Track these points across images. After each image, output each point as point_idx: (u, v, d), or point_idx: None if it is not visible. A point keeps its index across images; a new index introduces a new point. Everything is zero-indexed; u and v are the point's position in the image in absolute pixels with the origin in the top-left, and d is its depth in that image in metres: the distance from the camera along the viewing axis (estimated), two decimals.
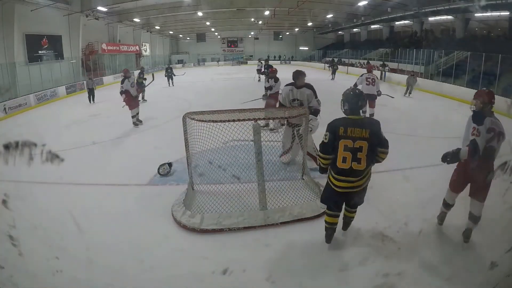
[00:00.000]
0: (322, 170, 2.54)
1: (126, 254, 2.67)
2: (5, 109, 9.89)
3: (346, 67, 22.38)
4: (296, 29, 33.76)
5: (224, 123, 3.09)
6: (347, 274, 2.42)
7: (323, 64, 26.01)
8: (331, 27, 30.28)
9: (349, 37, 31.95)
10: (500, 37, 16.00)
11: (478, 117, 2.52)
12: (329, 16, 23.87)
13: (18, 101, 10.74)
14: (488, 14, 15.94)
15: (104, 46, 20.03)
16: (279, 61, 34.85)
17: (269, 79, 6.95)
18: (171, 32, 31.57)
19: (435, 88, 12.56)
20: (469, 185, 2.65)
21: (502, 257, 1.88)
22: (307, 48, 35.80)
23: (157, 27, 26.29)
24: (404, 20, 21.64)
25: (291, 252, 2.69)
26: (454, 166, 2.74)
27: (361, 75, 6.96)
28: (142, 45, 26.95)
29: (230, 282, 2.36)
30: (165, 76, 15.72)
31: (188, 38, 36.29)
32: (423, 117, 8.17)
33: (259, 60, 16.46)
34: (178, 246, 2.80)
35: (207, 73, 23.40)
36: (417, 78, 12.31)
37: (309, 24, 27.36)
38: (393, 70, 17.85)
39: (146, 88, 10.62)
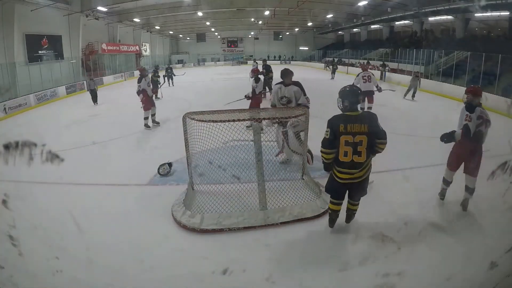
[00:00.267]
0: (326, 166, 2.67)
1: (126, 254, 2.67)
2: (5, 109, 9.89)
3: (346, 67, 22.38)
4: (296, 29, 33.76)
5: (224, 123, 3.09)
6: (347, 274, 2.42)
7: (323, 64, 26.04)
8: (331, 27, 30.28)
9: (349, 37, 31.94)
10: (500, 37, 16.00)
11: (471, 107, 3.05)
12: (329, 16, 23.87)
13: (18, 101, 10.74)
14: (488, 14, 15.94)
15: (104, 46, 20.03)
16: (279, 61, 34.86)
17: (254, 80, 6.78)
18: (171, 32, 31.56)
19: (435, 88, 12.56)
20: (463, 164, 3.17)
21: (502, 257, 1.88)
22: (307, 48, 35.80)
23: (157, 27, 26.29)
24: (404, 20, 21.64)
25: (291, 252, 2.69)
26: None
27: (358, 75, 7.34)
28: (142, 45, 26.95)
29: (230, 282, 2.36)
30: (165, 76, 15.72)
31: (188, 38, 36.28)
32: (423, 117, 8.17)
33: (254, 60, 16.19)
34: (178, 246, 2.80)
35: (207, 73, 23.40)
36: (421, 79, 11.88)
37: (309, 24, 27.36)
38: (393, 70, 17.85)
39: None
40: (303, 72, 22.92)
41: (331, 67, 19.92)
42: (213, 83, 16.54)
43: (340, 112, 2.63)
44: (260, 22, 26.63)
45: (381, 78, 15.71)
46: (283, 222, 3.05)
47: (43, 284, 2.27)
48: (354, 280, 2.35)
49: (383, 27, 25.20)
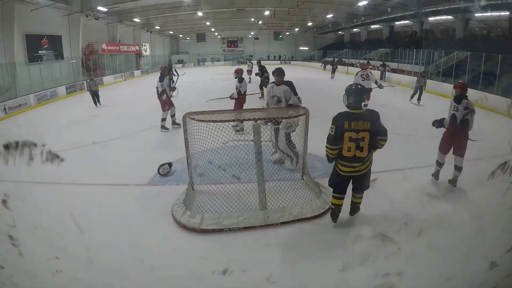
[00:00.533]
0: (330, 160, 2.82)
1: (126, 254, 2.67)
2: (5, 109, 9.89)
3: (346, 67, 22.39)
4: (296, 29, 33.77)
5: (224, 123, 3.09)
6: (347, 274, 2.42)
7: (323, 64, 26.06)
8: (331, 27, 30.28)
9: (349, 37, 31.94)
10: (500, 37, 16.00)
11: (458, 99, 3.63)
12: (329, 16, 23.87)
13: (18, 101, 10.73)
14: (488, 14, 15.93)
15: (104, 46, 20.04)
16: (279, 61, 34.86)
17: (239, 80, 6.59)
18: (171, 32, 31.56)
19: (435, 88, 12.56)
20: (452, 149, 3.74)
21: (502, 257, 1.88)
22: (307, 48, 35.81)
23: (157, 27, 26.29)
24: (404, 20, 21.64)
25: (291, 252, 2.69)
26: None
27: (356, 73, 7.83)
28: (142, 45, 26.94)
29: (230, 282, 2.36)
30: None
31: (188, 38, 36.29)
32: (423, 117, 8.14)
33: (249, 60, 16.12)
34: (178, 246, 2.80)
35: (207, 73, 23.38)
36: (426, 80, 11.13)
37: (309, 24, 27.36)
38: (393, 70, 17.86)
39: (146, 86, 10.52)
40: (303, 72, 22.95)
41: (331, 67, 19.97)
42: (213, 83, 16.51)
43: (343, 109, 2.74)
44: (260, 22, 26.63)
45: (381, 78, 15.72)
46: (283, 222, 3.04)
47: (43, 284, 2.27)
48: (354, 280, 2.35)
49: (383, 27, 25.20)
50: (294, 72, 22.10)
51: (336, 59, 24.74)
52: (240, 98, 6.35)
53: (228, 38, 37.14)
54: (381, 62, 18.22)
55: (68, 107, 11.38)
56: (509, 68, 10.52)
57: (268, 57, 36.13)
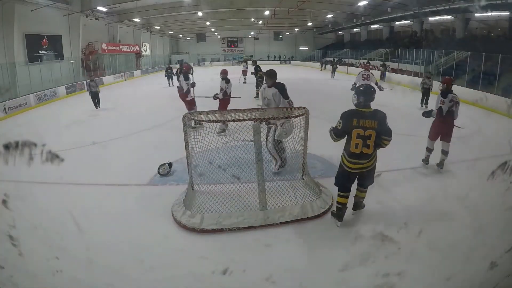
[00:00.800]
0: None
1: (126, 254, 2.67)
2: (5, 109, 9.88)
3: (346, 67, 22.39)
4: (296, 29, 33.75)
5: (224, 123, 3.09)
6: (347, 274, 2.42)
7: (322, 64, 26.07)
8: (331, 27, 30.27)
9: (349, 37, 31.93)
10: (500, 37, 15.99)
11: (444, 93, 4.15)
12: (329, 16, 23.86)
13: (18, 101, 10.73)
14: (488, 14, 15.93)
15: (104, 46, 20.03)
16: (279, 61, 34.83)
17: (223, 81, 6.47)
18: (171, 32, 31.55)
19: (435, 88, 12.51)
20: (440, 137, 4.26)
21: (502, 257, 1.88)
22: (307, 48, 35.79)
23: (157, 27, 26.28)
24: (404, 20, 21.63)
25: (291, 252, 2.69)
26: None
27: (359, 73, 8.42)
28: (142, 45, 26.94)
29: (230, 282, 2.36)
30: (165, 76, 15.73)
31: (188, 38, 36.26)
32: (424, 117, 8.15)
33: (245, 61, 16.11)
34: (178, 246, 2.80)
35: (207, 73, 23.35)
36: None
37: (309, 24, 27.35)
38: (393, 70, 17.86)
39: (146, 86, 10.51)
40: (303, 72, 22.96)
41: (331, 66, 19.98)
42: (213, 83, 16.47)
43: (343, 109, 2.84)
44: (260, 22, 26.62)
45: (381, 78, 15.73)
46: (283, 222, 3.04)
47: (43, 284, 2.27)
48: (354, 280, 2.35)
49: (383, 27, 25.20)
50: (294, 72, 22.14)
51: (336, 59, 24.74)
52: (225, 99, 6.29)
53: (228, 38, 37.12)
54: (381, 62, 18.22)
55: (68, 107, 11.38)
56: (509, 68, 10.51)
57: (268, 57, 36.11)
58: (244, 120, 3.11)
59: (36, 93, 11.95)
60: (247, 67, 14.74)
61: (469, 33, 17.77)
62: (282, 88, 4.07)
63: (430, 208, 3.35)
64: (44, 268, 2.44)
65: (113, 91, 14.97)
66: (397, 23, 23.52)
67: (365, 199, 3.15)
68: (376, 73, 14.83)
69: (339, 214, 3.00)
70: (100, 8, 16.70)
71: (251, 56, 34.09)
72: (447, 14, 17.93)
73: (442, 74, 13.76)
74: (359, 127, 2.72)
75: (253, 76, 10.83)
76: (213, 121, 3.13)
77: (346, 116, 2.79)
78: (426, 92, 9.21)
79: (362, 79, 7.92)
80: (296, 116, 3.51)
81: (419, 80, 11.73)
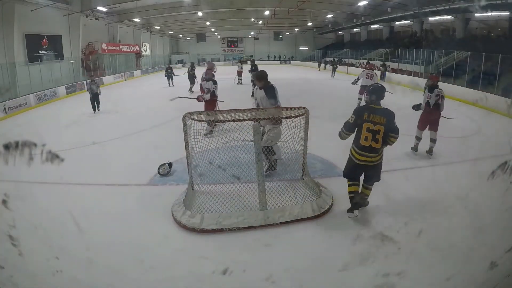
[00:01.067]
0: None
1: (126, 254, 2.67)
2: (5, 109, 9.88)
3: (346, 67, 22.39)
4: (296, 29, 33.74)
5: (224, 123, 3.09)
6: (347, 274, 2.42)
7: (322, 64, 26.06)
8: (331, 27, 30.25)
9: (349, 37, 31.93)
10: (500, 37, 15.99)
11: (431, 88, 4.67)
12: (329, 16, 23.86)
13: (18, 101, 10.72)
14: (488, 14, 15.93)
15: (104, 46, 20.02)
16: (279, 61, 34.82)
17: (207, 81, 6.23)
18: (171, 32, 31.54)
19: None
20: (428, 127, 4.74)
21: (502, 257, 1.88)
22: (307, 48, 35.78)
23: (157, 27, 26.27)
24: (404, 20, 21.62)
25: (291, 252, 2.69)
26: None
27: (363, 70, 8.62)
28: (142, 45, 26.94)
29: (230, 282, 2.36)
30: (165, 76, 15.72)
31: (188, 38, 36.24)
32: None
33: (240, 61, 16.02)
34: (178, 246, 2.80)
35: None
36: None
37: (309, 24, 27.35)
38: (393, 70, 17.85)
39: (146, 86, 10.46)
40: (303, 72, 22.96)
41: (331, 66, 19.98)
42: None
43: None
44: (260, 22, 26.62)
45: (381, 78, 15.73)
46: (283, 222, 3.04)
47: (43, 284, 2.27)
48: (354, 280, 2.35)
49: (383, 27, 25.19)
50: (294, 72, 22.13)
51: (336, 59, 24.74)
52: (212, 100, 6.15)
53: (228, 38, 37.10)
54: (381, 62, 18.22)
55: (68, 107, 11.37)
56: (509, 68, 10.51)
57: (268, 57, 36.10)
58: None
59: (36, 93, 11.94)
60: (241, 68, 14.89)
61: (469, 33, 17.77)
62: (270, 91, 3.95)
63: (430, 208, 3.35)
64: (44, 268, 2.43)
65: (113, 91, 14.96)
66: (397, 23, 23.51)
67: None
68: (376, 73, 14.84)
69: (354, 204, 3.03)
70: (100, 8, 16.69)
71: (251, 56, 34.08)
72: (447, 14, 17.92)
73: (442, 74, 13.76)
74: (369, 121, 2.91)
75: (250, 74, 10.86)
76: (213, 121, 3.12)
77: (358, 110, 3.03)
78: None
79: (366, 78, 8.32)
80: (295, 116, 3.51)
81: (419, 80, 11.76)
